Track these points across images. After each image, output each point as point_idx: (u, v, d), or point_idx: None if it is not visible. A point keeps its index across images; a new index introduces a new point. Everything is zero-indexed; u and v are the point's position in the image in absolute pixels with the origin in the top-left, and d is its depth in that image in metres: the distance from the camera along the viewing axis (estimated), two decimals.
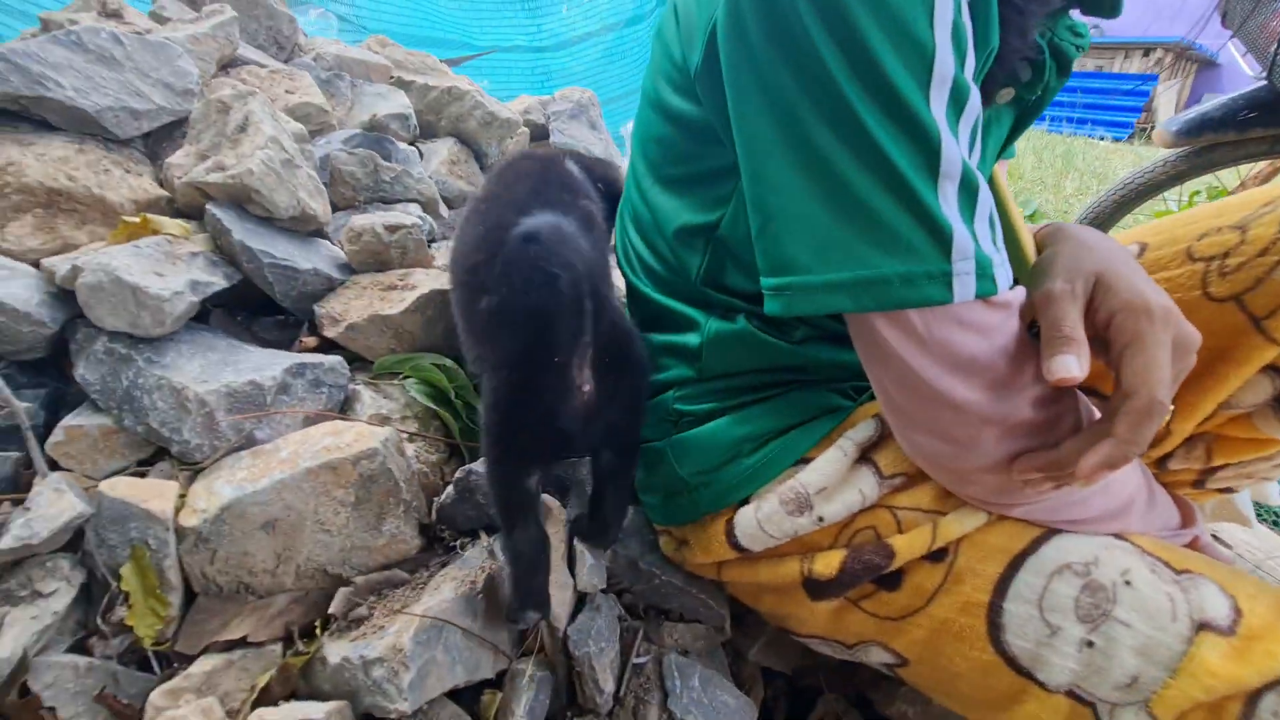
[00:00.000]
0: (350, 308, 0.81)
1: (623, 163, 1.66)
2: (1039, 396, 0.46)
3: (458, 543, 0.67)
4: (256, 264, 0.74)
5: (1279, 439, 0.54)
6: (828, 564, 0.58)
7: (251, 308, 0.84)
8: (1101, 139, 5.94)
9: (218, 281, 0.71)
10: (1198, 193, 2.19)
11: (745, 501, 0.63)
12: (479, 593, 0.61)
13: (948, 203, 0.41)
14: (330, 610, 0.59)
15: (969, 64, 0.41)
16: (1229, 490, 0.65)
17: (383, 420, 0.74)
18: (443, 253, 1.13)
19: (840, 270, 0.42)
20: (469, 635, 0.59)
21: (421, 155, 1.24)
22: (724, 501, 0.64)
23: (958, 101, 0.41)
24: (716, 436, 0.63)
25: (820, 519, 0.58)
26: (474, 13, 2.85)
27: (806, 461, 0.60)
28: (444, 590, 0.60)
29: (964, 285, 0.41)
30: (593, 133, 1.60)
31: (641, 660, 0.65)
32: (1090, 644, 0.49)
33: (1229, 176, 2.03)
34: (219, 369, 0.66)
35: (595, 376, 0.53)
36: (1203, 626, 0.46)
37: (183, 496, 0.60)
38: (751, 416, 0.63)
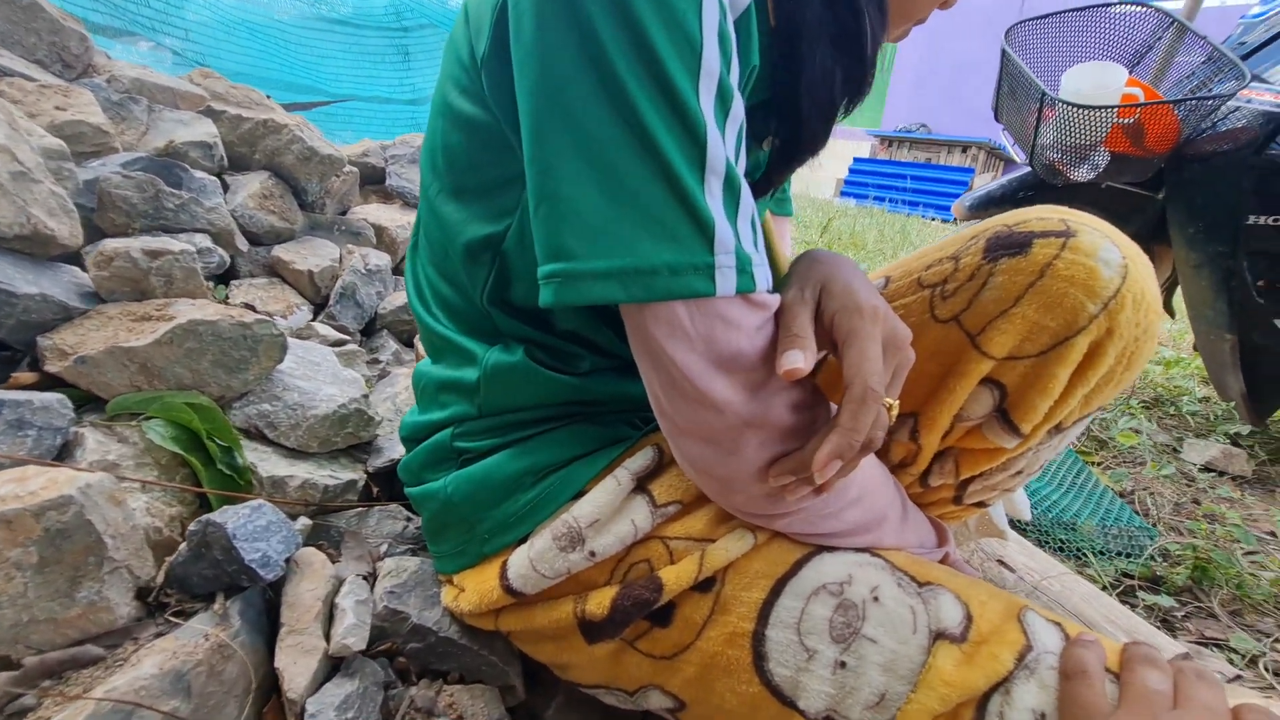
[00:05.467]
0: (87, 339, 0.70)
1: None
2: (794, 401, 0.47)
3: (185, 609, 0.57)
4: None
5: (1006, 448, 0.59)
6: (599, 603, 0.54)
7: None
8: (931, 219, 6.84)
9: None
10: None
11: (523, 540, 0.58)
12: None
13: (713, 197, 0.41)
14: None
15: (734, 71, 0.43)
16: (982, 505, 0.70)
17: (110, 467, 0.63)
18: (238, 290, 1.04)
19: (610, 258, 0.40)
20: None
21: (227, 187, 1.15)
22: (502, 541, 0.59)
23: (724, 102, 0.41)
24: (496, 471, 0.59)
25: (592, 554, 0.55)
26: (327, 60, 2.77)
27: (584, 495, 0.57)
28: (144, 665, 0.50)
29: (725, 279, 0.41)
30: None
31: None
32: (843, 664, 0.48)
33: None
34: None
35: None
36: (939, 636, 0.47)
37: None
38: (532, 449, 0.59)
